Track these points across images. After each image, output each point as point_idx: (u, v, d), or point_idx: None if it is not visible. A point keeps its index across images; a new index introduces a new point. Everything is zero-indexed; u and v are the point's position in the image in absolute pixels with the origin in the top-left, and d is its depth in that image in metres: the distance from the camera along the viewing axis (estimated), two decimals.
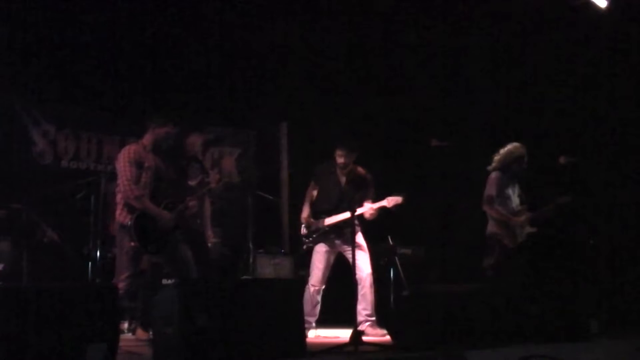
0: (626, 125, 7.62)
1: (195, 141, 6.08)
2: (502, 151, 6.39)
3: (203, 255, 5.86)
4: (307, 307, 6.08)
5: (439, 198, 8.20)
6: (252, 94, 8.63)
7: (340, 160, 6.39)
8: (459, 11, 8.15)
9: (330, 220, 6.29)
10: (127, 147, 5.54)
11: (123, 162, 5.36)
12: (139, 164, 5.36)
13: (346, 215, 6.11)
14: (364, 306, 6.13)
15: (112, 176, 7.11)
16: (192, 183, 5.86)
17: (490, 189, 6.28)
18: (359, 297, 5.93)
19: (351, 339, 4.65)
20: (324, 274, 6.31)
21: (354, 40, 8.58)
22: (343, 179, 6.45)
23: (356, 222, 6.10)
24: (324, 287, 6.33)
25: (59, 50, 7.56)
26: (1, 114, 7.37)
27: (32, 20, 7.39)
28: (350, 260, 6.21)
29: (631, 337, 5.35)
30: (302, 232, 6.47)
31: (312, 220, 6.41)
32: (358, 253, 6.12)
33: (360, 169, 6.51)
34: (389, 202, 6.17)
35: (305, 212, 6.46)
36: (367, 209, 6.20)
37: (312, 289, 6.25)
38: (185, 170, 5.99)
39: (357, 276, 5.77)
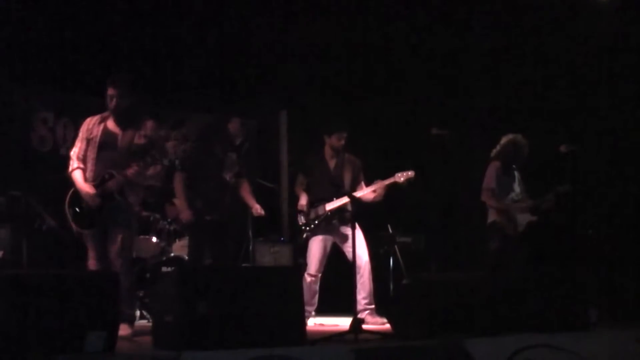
0: (627, 115, 7.61)
1: (236, 126, 6.01)
2: (503, 141, 6.39)
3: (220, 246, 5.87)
4: (305, 296, 6.09)
5: (439, 186, 8.19)
6: (251, 83, 8.60)
7: (340, 142, 6.40)
8: (460, 3, 8.14)
9: (331, 205, 6.28)
10: (86, 120, 5.34)
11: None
12: (87, 139, 5.20)
13: (347, 199, 6.12)
14: (363, 295, 6.14)
15: None
16: (227, 175, 5.84)
17: (489, 180, 6.27)
18: (358, 285, 5.94)
19: (351, 327, 4.66)
20: (321, 262, 6.32)
21: (354, 29, 8.55)
22: (333, 165, 6.46)
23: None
24: (320, 275, 6.34)
25: (58, 38, 7.52)
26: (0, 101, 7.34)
27: (32, 8, 7.36)
28: (345, 249, 6.25)
29: (630, 327, 5.35)
30: (300, 221, 6.45)
31: (310, 208, 6.40)
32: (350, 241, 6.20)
33: (348, 154, 6.50)
34: (400, 177, 6.17)
35: (304, 200, 6.43)
36: (374, 187, 6.23)
37: (309, 278, 6.24)
38: (222, 160, 5.92)
39: (356, 264, 5.82)
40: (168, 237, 7.18)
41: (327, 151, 6.49)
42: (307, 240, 6.41)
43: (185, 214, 5.84)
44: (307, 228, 6.36)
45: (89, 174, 5.15)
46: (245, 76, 8.55)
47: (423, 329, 4.47)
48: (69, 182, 5.21)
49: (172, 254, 6.96)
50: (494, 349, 4.13)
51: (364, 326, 4.92)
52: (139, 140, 5.22)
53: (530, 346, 4.05)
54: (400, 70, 8.76)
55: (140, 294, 6.60)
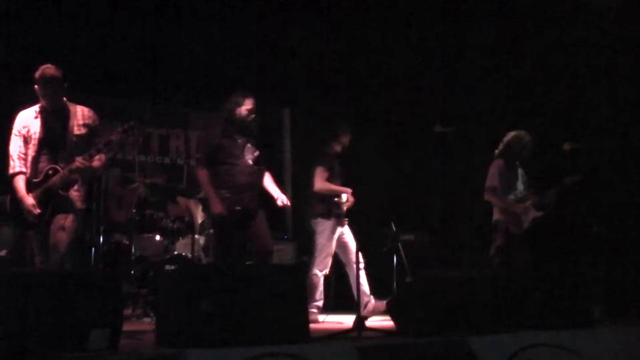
0: (630, 112, 7.60)
1: (248, 106, 5.64)
2: (506, 139, 6.39)
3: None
4: (314, 294, 6.17)
5: (443, 184, 8.19)
6: (255, 80, 8.61)
7: (347, 143, 6.50)
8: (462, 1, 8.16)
9: (347, 205, 6.36)
10: (18, 115, 5.08)
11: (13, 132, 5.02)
12: (25, 136, 4.96)
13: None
14: (365, 285, 6.35)
15: (112, 162, 7.11)
16: (250, 160, 5.59)
17: (492, 179, 6.27)
18: (359, 277, 6.13)
19: (354, 325, 4.66)
20: (330, 260, 6.38)
21: (357, 26, 8.55)
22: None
23: None
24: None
25: (57, 38, 7.53)
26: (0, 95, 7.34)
27: (32, 8, 7.39)
28: (341, 246, 6.44)
29: (634, 324, 5.35)
30: (341, 209, 6.40)
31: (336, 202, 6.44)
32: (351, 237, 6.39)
33: None
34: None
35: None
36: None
37: (318, 275, 6.27)
38: (242, 146, 5.63)
39: (353, 257, 6.16)
40: (171, 236, 7.18)
41: (336, 150, 6.53)
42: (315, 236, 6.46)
43: (217, 207, 5.48)
44: (346, 219, 6.40)
45: (30, 172, 4.91)
46: (248, 74, 8.55)
47: (426, 327, 4.47)
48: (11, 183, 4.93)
49: (176, 252, 6.95)
50: (496, 346, 4.12)
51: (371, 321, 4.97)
52: (79, 130, 4.99)
53: (533, 345, 4.04)
54: (403, 68, 8.76)
55: (144, 293, 6.61)
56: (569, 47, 7.87)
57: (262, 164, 5.72)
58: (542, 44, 8.07)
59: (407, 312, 4.70)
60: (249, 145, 5.59)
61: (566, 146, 6.27)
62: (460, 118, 8.04)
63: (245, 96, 5.64)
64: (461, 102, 8.51)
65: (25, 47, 7.37)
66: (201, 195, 7.26)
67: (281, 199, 5.79)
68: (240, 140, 5.61)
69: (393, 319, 5.08)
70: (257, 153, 5.59)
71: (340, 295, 6.55)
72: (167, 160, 8.89)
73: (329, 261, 6.34)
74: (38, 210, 4.81)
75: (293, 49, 8.58)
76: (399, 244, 7.31)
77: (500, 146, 6.39)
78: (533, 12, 7.94)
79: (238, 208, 5.44)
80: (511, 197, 6.29)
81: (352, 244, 6.42)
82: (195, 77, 8.36)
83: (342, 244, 6.42)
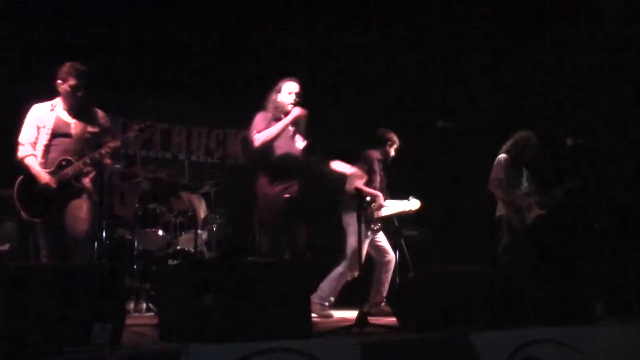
0: (633, 107, 7.59)
1: (287, 88, 5.45)
2: (515, 137, 6.40)
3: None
4: (335, 286, 6.17)
5: (446, 180, 8.19)
6: (258, 77, 8.61)
7: (392, 154, 6.60)
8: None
9: (387, 212, 6.33)
10: (33, 107, 5.19)
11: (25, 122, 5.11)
12: (38, 126, 5.06)
13: (404, 207, 6.40)
14: (386, 287, 6.43)
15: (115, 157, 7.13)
16: (299, 149, 5.36)
17: (498, 172, 6.28)
18: (386, 278, 6.39)
19: (357, 320, 4.66)
20: None
21: (359, 21, 8.54)
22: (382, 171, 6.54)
23: None
24: None
25: (59, 37, 7.54)
26: (5, 92, 7.35)
27: (33, 7, 7.40)
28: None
29: (636, 321, 5.34)
30: (375, 215, 6.40)
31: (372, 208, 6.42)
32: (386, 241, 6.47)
33: None
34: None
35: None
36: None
37: (341, 272, 6.33)
38: (292, 136, 5.42)
39: (388, 259, 6.39)
40: (174, 230, 7.19)
41: (379, 156, 6.54)
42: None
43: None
44: (373, 227, 6.39)
45: (40, 160, 5.00)
46: (250, 70, 8.55)
47: (428, 322, 4.48)
48: (20, 168, 5.02)
49: (178, 247, 6.97)
50: (498, 343, 4.11)
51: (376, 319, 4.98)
52: (92, 128, 5.13)
53: (535, 341, 4.04)
54: (404, 66, 8.75)
55: (146, 287, 6.63)
56: (575, 40, 7.86)
57: (314, 155, 5.44)
58: (547, 37, 8.06)
59: (409, 307, 4.70)
60: (298, 134, 5.42)
61: (569, 142, 6.27)
62: (463, 114, 8.05)
63: (285, 81, 5.52)
64: (463, 99, 8.50)
65: (26, 45, 7.38)
66: (204, 190, 7.28)
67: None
68: (290, 128, 5.43)
69: (395, 314, 5.09)
70: (305, 142, 5.39)
71: (343, 291, 6.54)
72: (168, 156, 8.91)
73: (357, 262, 6.27)
74: (54, 185, 4.90)
75: (294, 46, 8.57)
76: (402, 240, 7.31)
77: (508, 143, 6.40)
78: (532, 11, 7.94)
79: (286, 196, 5.22)
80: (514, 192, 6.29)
81: (387, 246, 6.46)
82: (196, 74, 8.36)
83: (375, 247, 6.42)
